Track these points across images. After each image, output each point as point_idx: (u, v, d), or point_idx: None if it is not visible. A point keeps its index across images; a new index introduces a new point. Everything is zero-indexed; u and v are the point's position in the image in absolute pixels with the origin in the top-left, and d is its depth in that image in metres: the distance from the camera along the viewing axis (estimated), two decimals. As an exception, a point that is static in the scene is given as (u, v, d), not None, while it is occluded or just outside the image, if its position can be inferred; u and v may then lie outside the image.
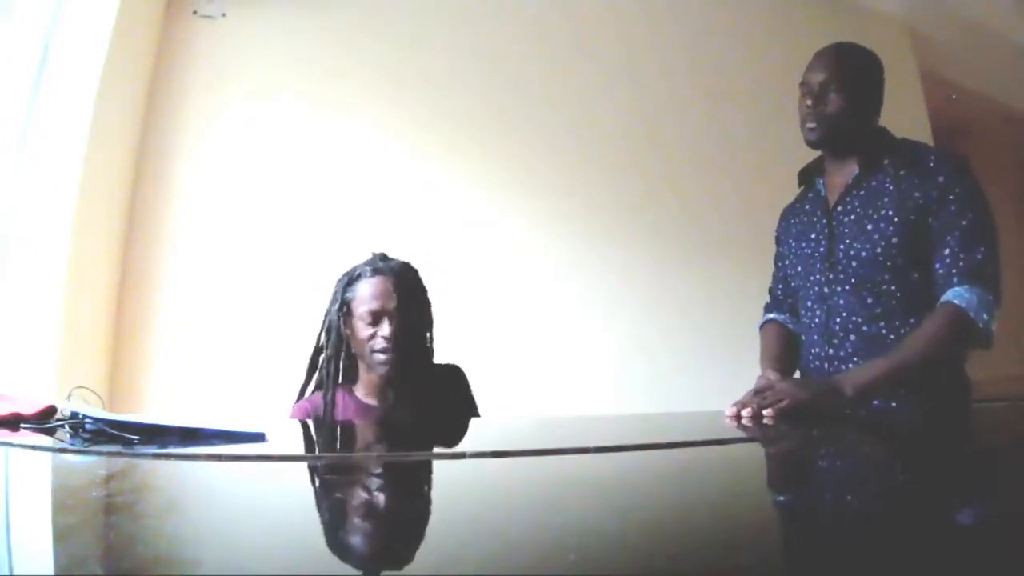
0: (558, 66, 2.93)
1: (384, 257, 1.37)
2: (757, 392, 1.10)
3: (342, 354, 1.32)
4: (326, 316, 1.36)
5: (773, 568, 0.36)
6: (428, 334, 1.38)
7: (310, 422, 1.28)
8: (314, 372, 1.37)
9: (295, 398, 1.38)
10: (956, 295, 1.11)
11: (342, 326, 1.32)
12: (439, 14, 2.84)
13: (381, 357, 1.27)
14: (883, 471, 0.65)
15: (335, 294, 1.35)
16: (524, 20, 2.94)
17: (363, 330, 1.28)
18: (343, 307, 1.32)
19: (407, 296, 1.31)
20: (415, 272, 1.37)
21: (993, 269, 1.13)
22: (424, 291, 1.37)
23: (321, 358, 1.36)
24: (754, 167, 2.88)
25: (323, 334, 1.36)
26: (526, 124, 2.83)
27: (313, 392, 1.37)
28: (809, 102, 1.25)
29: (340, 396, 1.32)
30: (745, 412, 1.05)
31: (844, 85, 1.22)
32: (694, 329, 2.81)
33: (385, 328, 1.27)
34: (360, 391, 1.34)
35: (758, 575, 0.34)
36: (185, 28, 2.59)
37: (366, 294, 1.30)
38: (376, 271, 1.32)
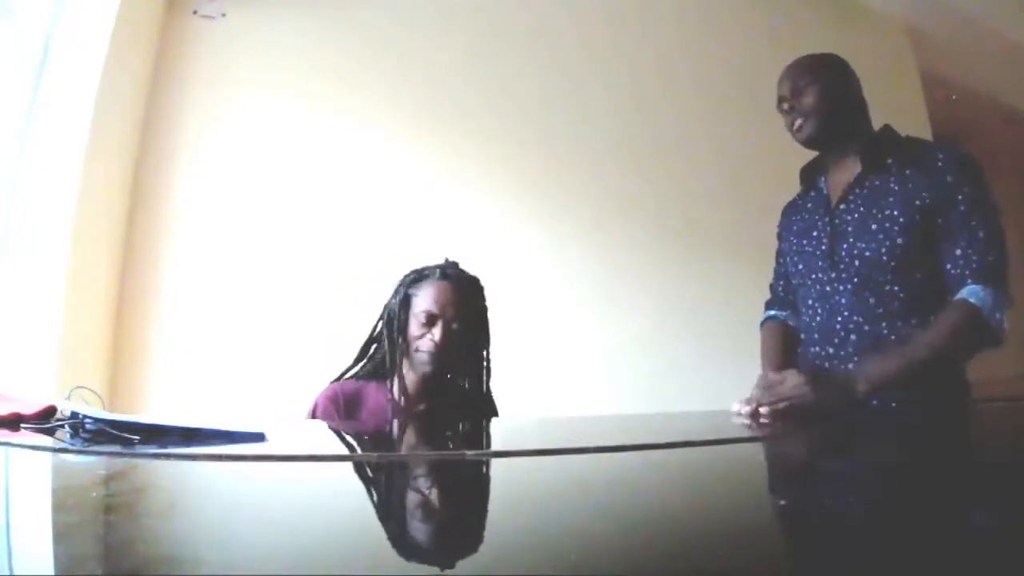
0: (557, 66, 2.93)
1: (455, 266, 1.39)
2: (766, 387, 1.10)
3: (396, 344, 1.33)
4: (386, 307, 1.38)
5: (773, 568, 0.36)
6: (484, 352, 1.39)
7: (318, 421, 1.28)
8: (363, 358, 1.40)
9: (332, 381, 1.39)
10: (971, 293, 1.11)
11: (400, 318, 1.33)
12: (438, 13, 2.85)
13: (425, 357, 1.29)
14: (883, 471, 0.65)
15: (400, 286, 1.37)
16: (523, 20, 2.94)
17: (416, 328, 1.30)
18: (405, 300, 1.34)
19: (467, 308, 1.33)
20: (481, 289, 1.39)
21: (1005, 270, 1.14)
22: (485, 310, 1.39)
23: (374, 347, 1.38)
24: (754, 168, 2.87)
25: (381, 323, 1.38)
26: (525, 124, 2.83)
27: (352, 378, 1.39)
28: (786, 106, 1.28)
29: (373, 388, 1.34)
30: (746, 410, 1.06)
31: (814, 78, 1.26)
32: (694, 329, 2.81)
33: (436, 332, 1.28)
34: (396, 387, 1.34)
35: (758, 575, 0.34)
36: (185, 28, 2.59)
37: (428, 295, 1.31)
38: (445, 276, 1.34)
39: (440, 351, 1.28)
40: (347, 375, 1.39)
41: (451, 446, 1.04)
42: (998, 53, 3.69)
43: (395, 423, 1.29)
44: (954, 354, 1.15)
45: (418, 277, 1.36)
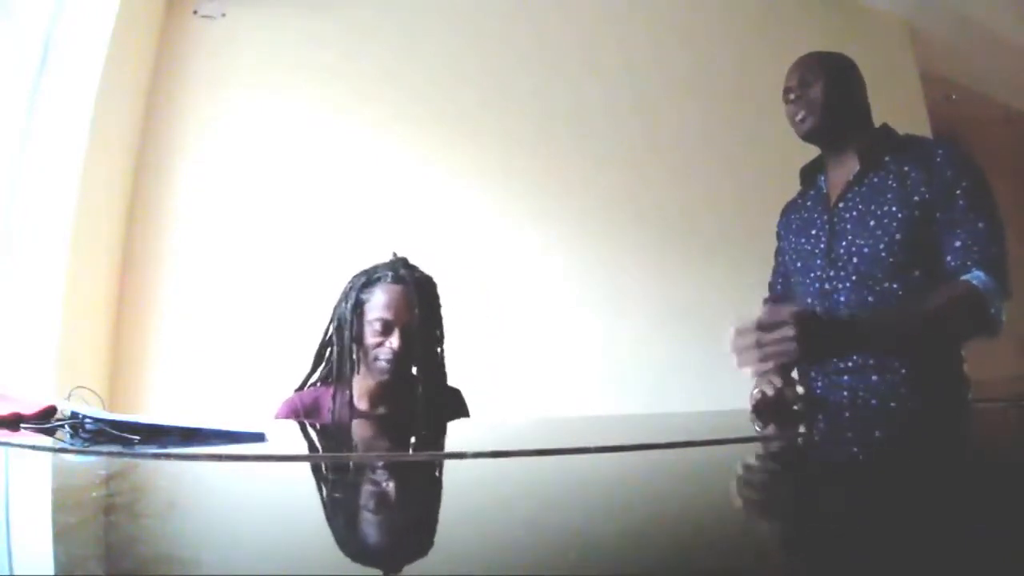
0: (556, 67, 2.93)
1: (405, 264, 1.35)
2: (768, 326, 1.03)
3: (351, 351, 1.31)
4: (336, 310, 1.34)
5: (773, 568, 0.36)
6: (439, 350, 1.37)
7: (308, 422, 1.28)
8: (320, 364, 1.37)
9: (296, 390, 1.38)
10: (974, 277, 1.10)
11: (353, 324, 1.30)
12: (437, 13, 2.85)
13: (384, 366, 1.26)
14: (883, 471, 0.65)
15: (349, 291, 1.33)
16: (522, 21, 2.94)
17: (371, 336, 1.27)
18: (357, 307, 1.30)
19: (422, 311, 1.29)
20: (434, 286, 1.35)
21: (1006, 264, 1.13)
22: (439, 307, 1.36)
23: (328, 351, 1.35)
24: (754, 167, 2.88)
25: (332, 328, 1.34)
26: (524, 125, 2.83)
27: (311, 386, 1.37)
28: (792, 96, 1.28)
29: (331, 394, 1.32)
30: (738, 349, 1.03)
31: (821, 73, 1.26)
32: (694, 330, 2.81)
33: (394, 340, 1.26)
34: (354, 392, 1.33)
35: (758, 575, 0.34)
36: (185, 28, 2.59)
37: (381, 301, 1.28)
38: (397, 279, 1.30)
39: (399, 359, 1.26)
40: (308, 382, 1.37)
41: (448, 446, 1.04)
42: (998, 53, 3.69)
43: (385, 425, 1.28)
44: (950, 326, 1.13)
45: (368, 281, 1.32)
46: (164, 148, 2.50)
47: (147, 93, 2.51)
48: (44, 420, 0.94)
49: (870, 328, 1.10)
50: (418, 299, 1.29)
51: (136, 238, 2.41)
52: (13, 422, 0.94)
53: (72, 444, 0.81)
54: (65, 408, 0.95)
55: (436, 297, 1.36)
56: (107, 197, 2.28)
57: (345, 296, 1.33)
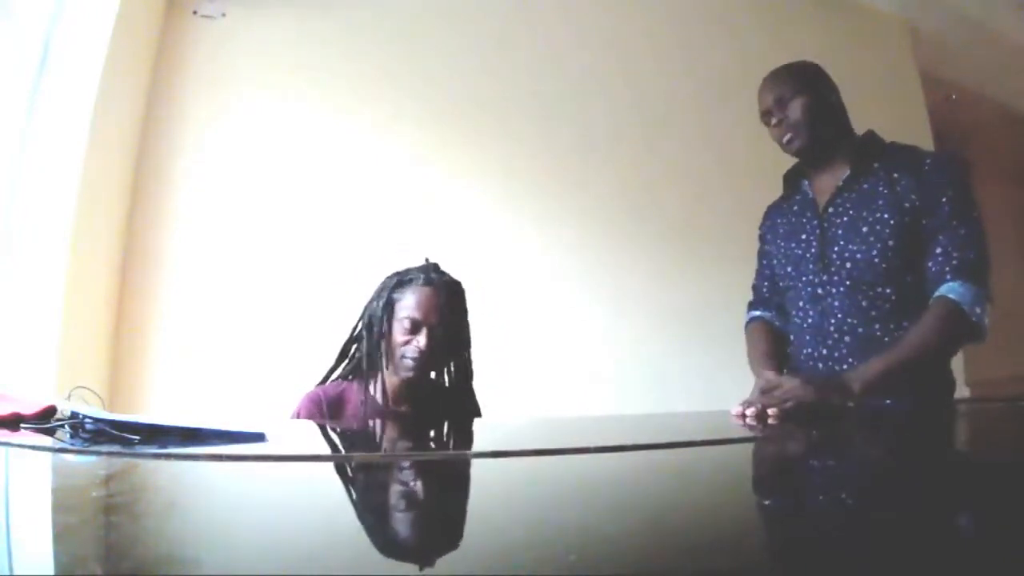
0: (556, 67, 2.93)
1: (436, 269, 1.39)
2: (764, 391, 1.11)
3: (379, 348, 1.34)
4: (366, 308, 1.38)
5: (772, 568, 0.36)
6: (466, 354, 1.40)
7: (310, 422, 1.28)
8: (344, 359, 1.41)
9: (318, 384, 1.40)
10: (950, 290, 1.12)
11: (383, 322, 1.33)
12: (437, 14, 2.85)
13: (410, 363, 1.30)
14: (881, 471, 0.65)
15: (382, 290, 1.37)
16: (522, 21, 2.94)
17: (400, 334, 1.31)
18: (388, 305, 1.34)
19: (450, 313, 1.33)
20: (462, 291, 1.39)
21: (986, 267, 1.15)
22: (467, 312, 1.40)
23: (354, 347, 1.39)
24: (752, 168, 2.87)
25: (361, 325, 1.38)
26: (525, 127, 2.83)
27: (333, 381, 1.40)
28: (774, 120, 1.29)
29: (355, 389, 1.35)
30: (750, 411, 1.06)
31: (796, 89, 1.27)
32: (694, 331, 2.81)
33: (422, 339, 1.29)
34: (378, 389, 1.35)
35: (757, 575, 0.34)
36: (185, 28, 2.59)
37: (412, 301, 1.32)
38: (428, 281, 1.34)
39: (425, 358, 1.29)
40: (331, 377, 1.40)
41: (448, 446, 1.04)
42: (998, 53, 3.69)
43: (387, 424, 1.29)
44: (939, 351, 1.17)
45: (400, 282, 1.36)
46: (164, 148, 2.49)
47: (147, 93, 2.50)
48: (44, 420, 0.94)
49: (871, 380, 1.10)
50: (447, 302, 1.33)
51: (136, 238, 2.41)
52: (13, 422, 0.94)
53: (72, 444, 0.81)
54: (65, 408, 0.95)
55: (464, 302, 1.40)
56: (107, 197, 2.28)
57: (377, 295, 1.38)
